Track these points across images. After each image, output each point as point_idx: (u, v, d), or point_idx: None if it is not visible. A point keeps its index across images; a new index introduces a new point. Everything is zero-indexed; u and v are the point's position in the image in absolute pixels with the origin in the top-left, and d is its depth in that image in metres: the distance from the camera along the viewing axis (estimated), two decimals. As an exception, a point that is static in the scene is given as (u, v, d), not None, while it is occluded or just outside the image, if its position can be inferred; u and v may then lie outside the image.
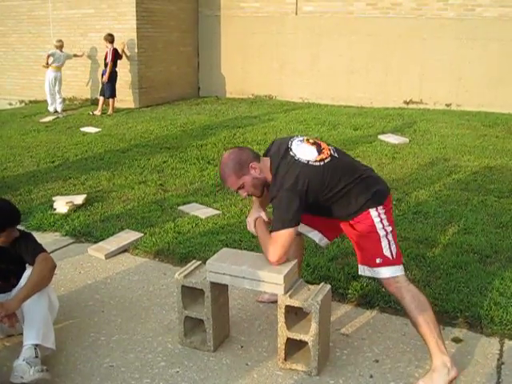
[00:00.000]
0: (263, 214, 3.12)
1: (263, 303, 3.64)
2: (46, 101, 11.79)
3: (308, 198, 2.84)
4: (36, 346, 2.80)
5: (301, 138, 3.03)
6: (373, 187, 2.94)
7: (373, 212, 2.89)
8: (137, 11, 11.65)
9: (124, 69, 11.96)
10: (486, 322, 3.34)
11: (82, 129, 9.51)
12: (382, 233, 2.89)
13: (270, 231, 2.91)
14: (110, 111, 11.29)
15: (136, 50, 11.84)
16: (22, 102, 12.98)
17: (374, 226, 2.89)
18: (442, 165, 6.97)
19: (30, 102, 12.98)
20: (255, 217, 3.12)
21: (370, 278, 3.80)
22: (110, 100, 11.35)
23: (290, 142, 2.99)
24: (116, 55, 11.30)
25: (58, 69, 11.53)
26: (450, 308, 3.48)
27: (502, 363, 3.00)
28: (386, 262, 2.88)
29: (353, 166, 3.02)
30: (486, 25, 11.07)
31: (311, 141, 3.01)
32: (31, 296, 2.89)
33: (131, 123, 10.02)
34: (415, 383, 2.79)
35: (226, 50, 13.44)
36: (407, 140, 8.35)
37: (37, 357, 2.75)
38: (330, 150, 2.98)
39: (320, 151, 2.93)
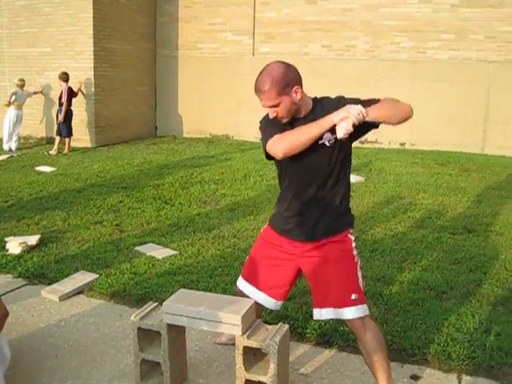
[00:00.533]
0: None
1: (221, 345, 3.59)
2: (0, 139, 11.60)
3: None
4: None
5: None
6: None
7: (351, 236, 2.88)
8: (94, 50, 11.69)
9: (80, 107, 11.91)
10: (444, 358, 3.36)
11: (37, 168, 9.37)
12: (359, 263, 2.85)
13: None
14: (65, 150, 11.17)
15: (93, 89, 11.82)
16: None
17: (352, 250, 2.85)
18: (398, 203, 7.08)
19: (-16, 141, 12.75)
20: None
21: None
22: (66, 139, 11.25)
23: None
24: (71, 94, 11.24)
25: (20, 107, 11.44)
26: (407, 345, 3.50)
27: (460, 400, 3.01)
28: (360, 299, 2.79)
29: None
30: (436, 67, 11.47)
31: None
32: None
33: (87, 162, 9.93)
34: None
35: (184, 89, 13.53)
36: (363, 179, 8.48)
37: None
38: None
39: None
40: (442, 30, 11.42)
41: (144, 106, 13.58)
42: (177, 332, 3.05)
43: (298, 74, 2.77)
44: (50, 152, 10.99)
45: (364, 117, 2.63)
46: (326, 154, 2.76)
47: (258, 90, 2.70)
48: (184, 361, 3.20)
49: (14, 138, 11.29)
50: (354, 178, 8.42)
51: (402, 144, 11.94)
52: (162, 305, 3.00)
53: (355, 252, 2.87)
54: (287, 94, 2.67)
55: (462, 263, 4.98)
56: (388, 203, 7.07)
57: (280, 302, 3.09)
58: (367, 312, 2.83)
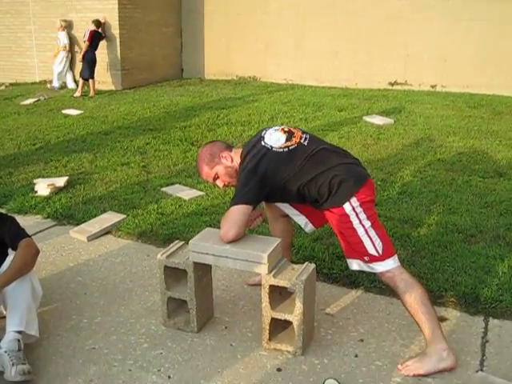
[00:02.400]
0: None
1: (254, 285, 3.60)
2: (26, 83, 11.66)
3: (269, 182, 2.84)
4: (19, 332, 2.74)
5: (277, 127, 3.05)
6: (346, 179, 2.83)
7: (347, 207, 2.80)
8: (118, -9, 11.50)
9: (105, 50, 11.82)
10: (471, 301, 3.34)
11: (64, 111, 9.38)
12: (360, 230, 2.79)
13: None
14: (91, 93, 11.15)
15: (118, 31, 11.68)
16: (1, 84, 12.78)
17: (350, 221, 2.81)
18: (427, 145, 6.96)
19: (11, 84, 12.78)
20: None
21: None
22: (90, 81, 11.20)
23: (265, 131, 3.04)
24: (94, 37, 11.12)
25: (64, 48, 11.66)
26: (434, 287, 3.47)
27: (487, 341, 3.00)
28: (374, 259, 2.81)
29: (324, 155, 2.90)
30: (471, 5, 11.04)
31: (286, 129, 3.01)
32: (12, 282, 2.81)
33: (114, 105, 9.91)
34: (403, 363, 2.77)
35: (210, 31, 13.31)
36: (392, 121, 8.33)
37: (19, 350, 2.68)
38: (301, 138, 2.95)
39: (289, 139, 2.93)
40: (478, -35, 10.96)
41: (170, 47, 13.42)
42: (203, 270, 3.06)
43: (222, 143, 3.17)
44: (75, 94, 10.99)
45: None
46: None
47: (199, 175, 3.20)
48: (210, 299, 3.23)
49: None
50: (382, 121, 8.29)
51: (432, 86, 11.66)
52: (188, 244, 3.01)
53: (354, 218, 2.80)
54: (218, 163, 3.04)
55: (491, 207, 4.89)
56: (417, 146, 6.95)
57: (311, 226, 3.24)
58: (389, 266, 2.80)
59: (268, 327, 2.88)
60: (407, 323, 3.12)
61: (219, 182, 3.10)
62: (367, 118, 8.50)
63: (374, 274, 2.94)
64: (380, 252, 2.79)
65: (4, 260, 3.04)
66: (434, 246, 4.06)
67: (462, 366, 2.77)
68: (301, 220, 3.23)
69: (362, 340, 3.02)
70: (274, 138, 2.95)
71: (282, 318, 2.84)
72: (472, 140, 7.22)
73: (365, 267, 2.87)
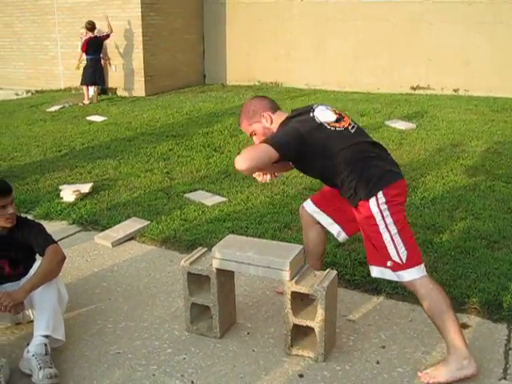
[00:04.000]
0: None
1: (269, 289, 3.63)
2: (51, 90, 11.80)
3: (306, 147, 2.81)
4: (46, 337, 2.80)
5: (329, 107, 3.03)
6: (377, 173, 2.80)
7: (373, 205, 2.76)
8: (141, -1, 11.62)
9: (129, 57, 11.95)
10: (494, 308, 3.33)
11: (88, 118, 9.50)
12: (385, 236, 2.75)
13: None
14: (84, 100, 11.14)
15: (141, 38, 11.80)
16: (28, 91, 12.99)
17: (376, 224, 2.76)
18: (450, 150, 6.93)
19: (37, 91, 12.99)
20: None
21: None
22: (84, 88, 11.21)
23: (316, 105, 3.00)
24: (89, 45, 11.08)
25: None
26: (457, 294, 3.46)
27: (510, 349, 2.98)
28: (397, 267, 2.76)
29: (364, 147, 2.89)
30: (494, 8, 10.95)
31: (337, 111, 3.01)
32: (38, 287, 2.89)
33: (137, 111, 10.01)
34: (424, 370, 2.77)
35: (232, 36, 13.38)
36: (414, 126, 8.30)
37: (47, 354, 2.75)
38: (350, 124, 2.95)
39: (339, 121, 2.92)
40: (501, -32, 10.87)
41: (192, 54, 13.52)
42: (226, 277, 3.10)
43: (270, 101, 3.11)
44: (84, 102, 11.05)
45: None
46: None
47: (239, 125, 3.19)
48: (233, 305, 3.26)
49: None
50: (404, 125, 8.27)
51: (455, 90, 11.58)
52: (211, 250, 3.04)
53: (380, 220, 2.75)
54: (257, 121, 3.03)
55: (515, 212, 4.86)
56: (440, 150, 6.92)
57: (344, 235, 3.24)
58: (414, 275, 2.75)
59: (290, 333, 2.91)
60: (429, 330, 3.12)
61: (255, 139, 3.08)
62: (389, 123, 8.48)
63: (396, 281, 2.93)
64: (404, 260, 2.75)
65: (32, 265, 3.12)
66: (457, 252, 4.05)
67: (485, 374, 2.77)
68: (334, 229, 3.22)
69: (383, 346, 3.02)
70: (325, 115, 2.92)
71: (304, 325, 2.87)
72: (495, 144, 7.16)
73: (387, 274, 2.83)
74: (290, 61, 12.89)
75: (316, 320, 2.81)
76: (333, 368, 2.84)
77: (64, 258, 3.08)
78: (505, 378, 2.74)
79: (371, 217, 2.77)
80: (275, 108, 3.07)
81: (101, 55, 11.40)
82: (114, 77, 12.19)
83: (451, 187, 5.51)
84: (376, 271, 2.87)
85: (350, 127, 2.94)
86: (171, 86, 12.75)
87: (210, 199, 5.30)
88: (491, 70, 11.16)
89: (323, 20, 12.35)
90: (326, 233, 3.34)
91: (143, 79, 12.06)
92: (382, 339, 3.10)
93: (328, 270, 3.01)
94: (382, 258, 2.80)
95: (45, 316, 2.86)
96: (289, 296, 2.84)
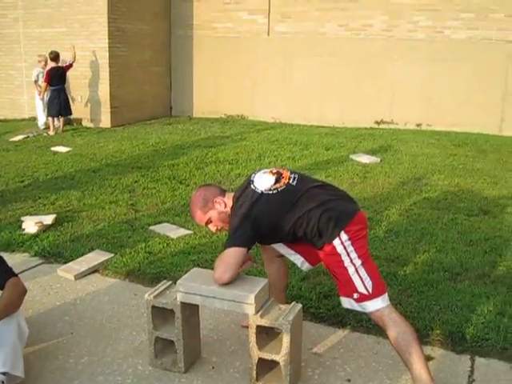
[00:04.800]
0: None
1: (235, 323, 3.60)
2: (16, 120, 11.68)
3: (262, 225, 2.90)
4: (4, 374, 2.72)
5: (266, 170, 3.11)
6: (335, 215, 2.87)
7: (337, 244, 2.83)
8: (109, 30, 11.64)
9: (95, 87, 11.92)
10: (457, 340, 3.36)
11: (53, 148, 9.41)
12: (351, 269, 2.82)
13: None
14: (50, 131, 11.11)
15: (108, 69, 11.80)
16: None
17: (341, 260, 2.83)
18: (413, 184, 7.04)
19: (0, 120, 12.82)
20: None
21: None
22: (50, 119, 11.19)
23: (254, 174, 3.10)
24: (52, 75, 11.04)
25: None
26: (421, 326, 3.49)
27: (473, 380, 3.01)
28: (363, 298, 2.82)
29: (313, 193, 2.97)
30: (454, 47, 11.30)
31: (274, 171, 3.08)
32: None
33: (103, 142, 9.96)
34: None
35: (199, 69, 13.48)
36: (378, 160, 8.43)
37: None
38: (289, 178, 3.02)
39: (278, 180, 2.99)
40: (461, 8, 11.22)
41: (159, 86, 13.55)
42: (190, 310, 3.07)
43: (217, 187, 3.21)
44: (49, 133, 11.01)
45: None
46: None
47: (192, 219, 3.21)
48: (198, 339, 3.23)
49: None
50: (368, 159, 8.39)
51: (418, 125, 11.84)
52: (176, 283, 3.02)
53: (345, 260, 2.83)
54: (211, 208, 3.08)
55: (477, 245, 4.95)
56: (403, 184, 7.04)
57: (308, 264, 3.25)
58: (378, 305, 2.81)
59: (255, 367, 2.89)
60: (394, 362, 3.13)
61: (212, 227, 3.14)
62: (354, 157, 8.60)
63: (363, 313, 2.96)
64: (370, 291, 2.80)
65: None
66: (421, 285, 4.10)
67: (449, 406, 2.78)
68: (297, 259, 3.24)
69: (349, 380, 3.02)
70: (263, 181, 3.00)
71: (269, 358, 2.85)
72: (457, 178, 7.32)
73: (356, 306, 2.87)
74: (256, 94, 13.02)
75: (281, 354, 2.79)
76: (298, 402, 2.82)
77: (25, 291, 3.01)
78: (468, 411, 2.75)
79: (336, 254, 2.84)
80: (223, 191, 3.16)
81: (65, 85, 11.35)
82: (80, 107, 12.13)
83: (414, 220, 5.59)
84: (346, 303, 2.91)
85: (290, 181, 3.01)
86: (137, 117, 12.73)
87: (175, 232, 5.27)
88: (452, 105, 11.45)
89: (289, 55, 12.55)
90: (290, 266, 3.36)
91: (109, 110, 12.02)
92: (347, 372, 3.09)
93: (293, 303, 3.01)
94: (349, 290, 2.85)
95: (3, 352, 2.77)
96: (254, 330, 2.83)
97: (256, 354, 2.86)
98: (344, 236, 2.82)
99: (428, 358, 3.19)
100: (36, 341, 3.39)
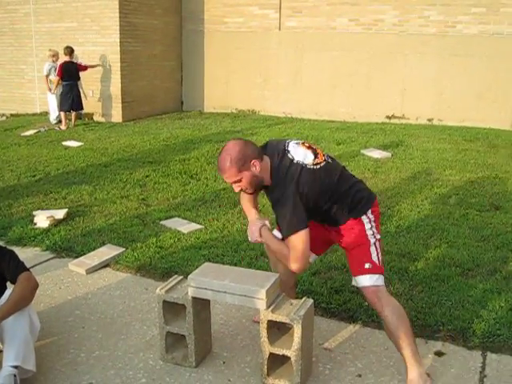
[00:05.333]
0: (267, 222, 3.11)
1: (246, 317, 3.61)
2: (27, 114, 11.71)
3: (308, 201, 2.84)
4: (16, 367, 2.74)
5: (297, 141, 3.04)
6: (365, 195, 3.04)
7: (365, 220, 2.97)
8: (120, 25, 11.65)
9: (107, 82, 11.95)
10: (469, 335, 3.35)
11: (64, 143, 9.45)
12: (372, 240, 2.97)
13: (283, 239, 2.94)
14: (62, 126, 11.13)
15: (119, 64, 11.81)
16: (2, 115, 12.88)
17: (365, 233, 2.97)
18: (424, 179, 7.01)
19: (12, 115, 12.88)
20: (260, 225, 3.08)
21: (352, 292, 3.81)
22: (62, 114, 11.20)
23: (286, 144, 2.99)
24: (65, 69, 11.06)
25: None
26: (432, 321, 3.48)
27: (485, 376, 3.00)
28: (373, 269, 2.91)
29: (346, 173, 3.08)
30: (466, 41, 11.22)
31: (306, 144, 3.02)
32: (10, 315, 2.83)
33: (114, 137, 9.99)
34: None
35: (210, 64, 13.47)
36: (389, 154, 8.40)
37: None
38: (324, 155, 3.01)
39: (316, 155, 2.95)
40: (472, 3, 11.13)
41: (170, 80, 13.56)
42: (201, 305, 3.08)
43: (256, 147, 2.93)
44: (61, 127, 11.04)
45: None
46: None
47: (219, 169, 2.92)
48: (209, 334, 3.23)
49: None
50: (379, 154, 8.35)
51: (429, 120, 11.77)
52: (187, 278, 3.02)
53: (368, 233, 2.98)
54: (247, 169, 2.85)
55: (488, 240, 4.92)
56: (414, 179, 7.00)
57: (314, 256, 3.24)
58: (379, 282, 2.92)
59: (266, 362, 2.89)
60: (405, 358, 3.12)
61: (236, 186, 2.95)
62: (365, 152, 8.57)
63: (366, 301, 3.04)
64: (380, 263, 2.95)
65: (3, 293, 3.05)
66: (432, 280, 4.08)
67: (460, 402, 2.78)
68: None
69: (359, 375, 3.02)
70: (301, 154, 2.92)
71: (280, 353, 2.85)
72: (468, 173, 7.28)
73: (355, 281, 2.98)
74: (267, 89, 13.00)
75: (292, 349, 2.79)
76: (309, 397, 2.83)
77: (37, 285, 3.03)
78: (480, 407, 2.74)
79: (362, 228, 2.97)
80: (261, 154, 2.93)
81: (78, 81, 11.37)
82: (91, 102, 12.16)
83: (426, 215, 5.57)
84: (361, 279, 2.95)
85: (326, 158, 2.99)
86: (149, 112, 12.76)
87: (186, 226, 5.28)
88: (464, 100, 11.38)
89: (300, 49, 12.51)
90: None
91: (120, 105, 12.05)
92: (358, 368, 3.09)
93: (304, 298, 3.01)
94: (365, 259, 2.94)
95: (15, 346, 2.79)
96: (265, 325, 2.83)
97: (267, 349, 2.86)
98: (370, 214, 2.99)
99: (439, 354, 3.19)
100: (47, 335, 3.42)
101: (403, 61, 11.72)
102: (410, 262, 4.43)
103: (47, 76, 11.44)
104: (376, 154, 8.42)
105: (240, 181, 2.89)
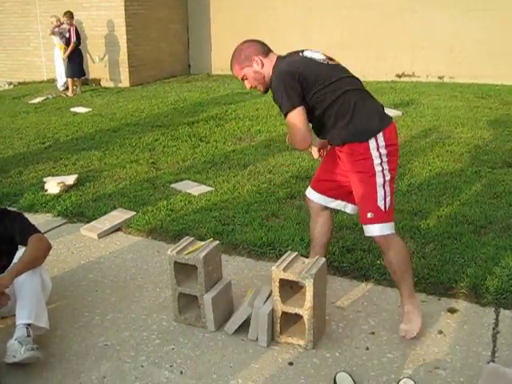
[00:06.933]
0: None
1: (258, 278, 3.61)
2: (34, 82, 11.65)
3: (305, 83, 2.81)
4: (28, 325, 2.77)
5: (319, 51, 3.08)
6: (375, 111, 2.91)
7: (373, 149, 2.81)
8: (124, -12, 11.50)
9: (113, 47, 11.84)
10: (481, 292, 3.34)
11: (72, 109, 9.42)
12: (379, 180, 2.83)
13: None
14: (69, 92, 11.01)
15: (124, 29, 11.69)
16: (10, 83, 12.83)
17: (373, 168, 2.82)
18: (436, 137, 6.94)
19: (19, 83, 12.83)
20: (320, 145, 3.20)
21: (364, 251, 3.81)
22: (70, 80, 11.09)
23: (305, 50, 3.06)
24: (78, 33, 11.03)
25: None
26: (445, 279, 3.47)
27: (498, 332, 3.00)
28: (377, 218, 2.86)
29: (357, 81, 2.98)
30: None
31: (327, 55, 3.04)
32: (24, 272, 2.85)
33: (122, 102, 9.93)
34: (400, 328, 2.97)
35: (216, 26, 13.30)
36: (400, 113, 8.30)
37: (29, 336, 2.72)
38: (340, 64, 3.02)
39: (331, 59, 3.00)
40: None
41: (177, 43, 13.42)
42: (213, 266, 3.08)
43: (262, 45, 3.03)
44: (67, 94, 10.97)
45: None
46: None
47: (231, 70, 3.08)
48: (221, 294, 3.24)
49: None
50: (390, 113, 8.22)
51: (440, 77, 11.60)
52: (198, 240, 3.02)
53: (376, 166, 2.82)
54: (249, 65, 2.96)
55: (501, 197, 4.88)
56: (426, 137, 6.93)
57: (352, 205, 3.17)
58: (386, 231, 2.88)
59: (279, 321, 2.90)
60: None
61: (247, 83, 3.05)
62: (375, 111, 8.46)
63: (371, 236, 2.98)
64: (386, 208, 2.86)
65: (14, 256, 3.07)
66: (444, 238, 4.06)
67: (474, 358, 2.78)
68: (338, 205, 3.22)
69: (372, 333, 3.02)
70: (315, 54, 2.99)
71: (293, 312, 2.86)
72: (480, 130, 7.19)
73: (370, 230, 2.92)
74: (275, 49, 12.65)
75: (304, 307, 2.80)
76: (322, 355, 2.84)
77: (50, 246, 3.06)
78: (493, 361, 2.75)
79: (369, 158, 2.83)
80: (267, 51, 3.02)
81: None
82: (98, 68, 12.08)
83: (437, 173, 5.52)
84: (367, 228, 2.94)
85: (341, 66, 3.00)
86: (156, 76, 12.67)
87: (196, 189, 5.27)
88: (475, 56, 11.18)
89: (308, 9, 12.30)
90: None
91: (127, 70, 11.96)
92: (371, 325, 3.10)
93: (317, 257, 3.00)
94: (366, 206, 2.88)
95: (27, 304, 2.82)
96: (277, 283, 2.83)
97: (280, 307, 2.87)
98: (381, 140, 2.81)
99: (452, 311, 3.19)
100: (61, 299, 3.45)
101: (412, 18, 11.50)
102: (421, 219, 4.40)
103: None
104: (387, 112, 8.30)
105: (246, 77, 3.01)
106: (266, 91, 3.06)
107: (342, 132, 2.87)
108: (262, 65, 2.95)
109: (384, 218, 2.87)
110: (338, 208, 3.25)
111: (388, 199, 2.87)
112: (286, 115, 2.83)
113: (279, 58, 2.99)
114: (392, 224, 2.92)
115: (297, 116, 2.80)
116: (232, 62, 3.04)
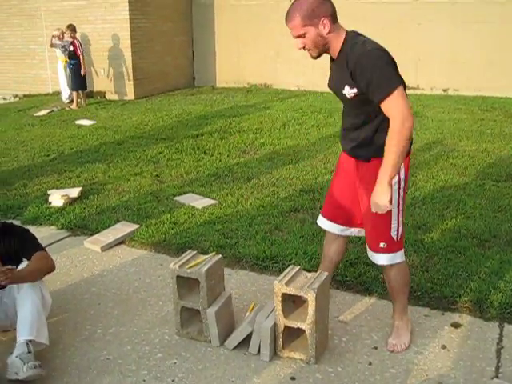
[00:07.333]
0: None
1: (261, 291, 3.60)
2: (40, 94, 11.70)
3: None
4: (29, 341, 2.77)
5: None
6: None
7: (402, 169, 2.68)
8: (129, 2, 11.60)
9: (118, 60, 11.90)
10: (485, 307, 3.32)
11: (77, 122, 9.45)
12: (395, 209, 2.72)
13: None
14: (73, 106, 11.03)
15: (129, 42, 11.76)
16: (15, 96, 12.91)
17: (392, 190, 2.63)
18: (440, 149, 6.93)
19: (24, 96, 12.91)
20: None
21: (368, 264, 3.79)
22: (74, 93, 11.11)
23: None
24: (81, 46, 11.06)
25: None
26: (448, 293, 3.46)
27: (502, 347, 2.97)
28: (390, 248, 2.83)
29: None
30: (479, 7, 11.00)
31: None
32: (25, 281, 2.88)
33: (126, 115, 9.97)
34: (389, 342, 2.99)
35: (221, 39, 13.37)
36: (404, 125, 8.28)
37: (29, 352, 2.71)
38: None
39: None
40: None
41: (181, 56, 13.49)
42: (215, 280, 3.07)
43: (331, 6, 2.65)
44: (71, 107, 11.00)
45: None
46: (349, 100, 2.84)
47: (286, 19, 2.65)
48: (224, 308, 3.23)
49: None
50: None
51: (444, 90, 11.62)
52: (201, 253, 3.02)
53: (395, 192, 2.66)
54: (314, 25, 2.59)
55: (505, 211, 4.86)
56: (430, 150, 6.93)
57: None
58: (397, 260, 2.88)
59: (281, 335, 2.88)
60: (420, 330, 3.12)
61: (300, 43, 2.68)
62: (379, 123, 8.46)
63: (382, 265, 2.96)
64: (398, 238, 2.83)
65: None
66: (448, 252, 4.05)
67: (478, 373, 2.76)
68: (353, 232, 3.15)
69: (375, 347, 3.01)
70: None
71: (295, 326, 2.84)
72: (485, 143, 7.18)
73: (371, 256, 2.93)
74: (279, 62, 12.88)
75: (307, 322, 2.78)
76: (325, 370, 2.82)
77: (54, 266, 3.08)
78: (497, 377, 2.72)
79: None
80: (336, 17, 2.67)
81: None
82: (103, 80, 12.14)
83: (441, 186, 5.51)
84: (377, 257, 2.91)
85: None
86: (160, 88, 12.72)
87: (199, 202, 5.27)
88: (480, 69, 11.20)
89: (312, 21, 12.34)
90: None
91: (132, 82, 12.02)
92: (374, 340, 3.08)
93: (319, 271, 2.99)
94: (378, 238, 2.84)
95: (28, 320, 2.82)
96: (279, 298, 2.82)
97: (282, 322, 2.86)
98: (402, 166, 2.66)
99: (456, 325, 3.18)
100: (64, 312, 3.44)
101: (416, 30, 11.55)
102: (425, 233, 4.39)
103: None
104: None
105: (304, 36, 2.64)
106: (317, 57, 2.80)
107: (377, 143, 2.70)
108: (329, 30, 2.62)
109: (396, 247, 2.85)
110: (353, 235, 3.19)
111: (400, 228, 2.82)
112: (389, 94, 2.52)
113: (353, 32, 2.71)
114: (402, 252, 2.89)
115: (402, 95, 2.53)
116: (292, 13, 2.61)
